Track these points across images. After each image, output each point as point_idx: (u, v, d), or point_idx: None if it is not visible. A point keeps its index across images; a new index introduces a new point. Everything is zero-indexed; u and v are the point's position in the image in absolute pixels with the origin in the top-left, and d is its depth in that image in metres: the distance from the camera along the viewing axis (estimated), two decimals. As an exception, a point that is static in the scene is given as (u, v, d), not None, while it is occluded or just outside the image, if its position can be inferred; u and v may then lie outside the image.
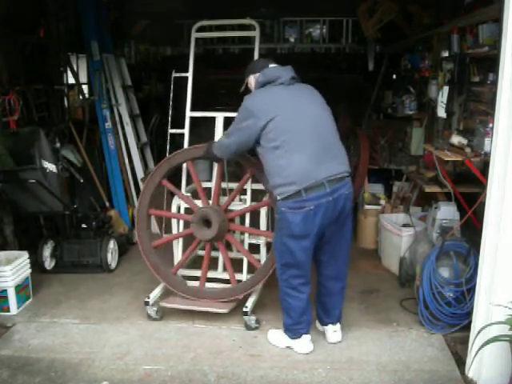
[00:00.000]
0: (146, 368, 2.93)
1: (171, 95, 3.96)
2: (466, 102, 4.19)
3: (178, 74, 3.81)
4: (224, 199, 3.54)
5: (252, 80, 3.06)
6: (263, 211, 3.52)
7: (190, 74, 3.81)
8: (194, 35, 3.89)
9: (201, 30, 3.95)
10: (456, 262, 3.22)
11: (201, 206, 3.49)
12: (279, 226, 2.88)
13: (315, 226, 2.78)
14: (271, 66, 3.02)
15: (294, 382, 2.80)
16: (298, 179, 2.73)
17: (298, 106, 2.86)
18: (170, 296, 3.52)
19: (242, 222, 3.73)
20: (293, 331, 3.05)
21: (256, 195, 3.65)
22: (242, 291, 3.40)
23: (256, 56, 3.70)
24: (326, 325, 3.18)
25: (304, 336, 3.05)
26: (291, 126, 2.79)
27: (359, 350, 3.08)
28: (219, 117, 3.67)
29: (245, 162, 3.37)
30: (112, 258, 4.34)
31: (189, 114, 3.80)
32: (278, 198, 2.81)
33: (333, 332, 3.16)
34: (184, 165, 3.63)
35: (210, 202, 3.49)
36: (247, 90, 3.16)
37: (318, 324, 3.29)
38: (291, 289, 2.96)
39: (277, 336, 3.16)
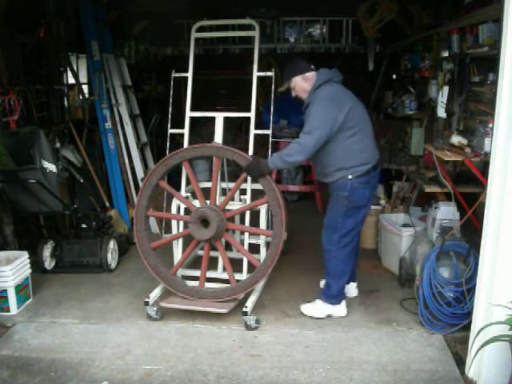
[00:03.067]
0: (146, 368, 2.93)
1: (171, 95, 3.96)
2: (466, 102, 4.20)
3: (177, 74, 3.81)
4: (223, 199, 3.54)
5: (299, 80, 3.26)
6: (263, 210, 3.52)
7: (189, 74, 3.81)
8: (194, 35, 3.89)
9: (201, 29, 3.95)
10: (456, 262, 3.22)
11: (199, 206, 3.49)
12: (345, 201, 3.22)
13: (371, 196, 3.38)
14: (320, 69, 3.31)
15: (294, 382, 2.81)
16: (371, 159, 3.24)
17: (356, 100, 3.27)
18: (170, 296, 3.52)
19: (242, 221, 3.73)
20: (338, 297, 3.43)
21: (256, 195, 3.65)
22: (241, 290, 3.40)
23: (256, 56, 3.71)
24: (349, 283, 3.65)
25: (343, 301, 3.47)
26: (360, 116, 3.23)
27: (359, 350, 3.09)
28: (219, 117, 3.68)
29: (242, 161, 3.37)
30: (112, 258, 4.34)
31: (189, 114, 3.80)
32: (350, 176, 3.17)
33: (355, 288, 3.75)
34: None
35: (208, 202, 3.49)
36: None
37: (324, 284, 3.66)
38: (346, 255, 3.36)
39: (314, 308, 3.46)
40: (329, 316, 3.43)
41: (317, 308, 3.45)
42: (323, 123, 3.07)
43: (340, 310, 3.46)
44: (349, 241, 3.34)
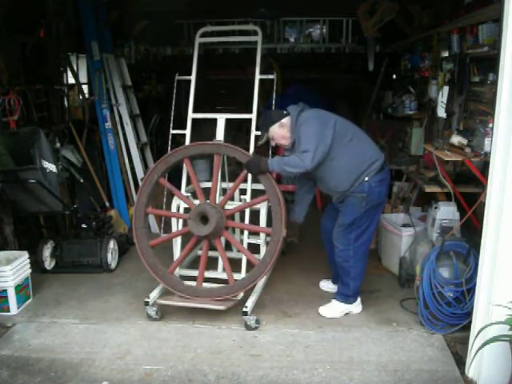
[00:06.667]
0: (146, 368, 2.93)
1: (174, 96, 3.96)
2: (466, 102, 4.20)
3: (181, 78, 3.83)
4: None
5: (277, 128, 3.32)
6: (263, 210, 3.52)
7: (192, 77, 3.83)
8: (198, 40, 3.91)
9: (204, 33, 3.97)
10: (456, 262, 3.22)
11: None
12: (364, 202, 3.24)
13: (387, 193, 3.46)
14: (288, 107, 3.36)
15: (294, 382, 2.81)
16: (378, 156, 3.29)
17: (337, 115, 3.33)
18: (169, 295, 3.52)
19: (242, 221, 3.73)
20: (356, 295, 3.49)
21: (256, 195, 3.65)
22: (239, 289, 3.39)
23: (258, 60, 3.73)
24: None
25: (358, 298, 3.53)
26: (349, 124, 3.31)
27: (359, 350, 3.09)
28: (220, 118, 3.68)
29: (243, 159, 3.36)
30: (112, 258, 4.34)
31: (191, 115, 3.81)
32: (367, 178, 3.20)
33: None
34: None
35: (208, 201, 3.49)
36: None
37: (324, 284, 3.88)
38: (364, 253, 3.41)
39: (331, 308, 3.49)
40: (346, 314, 3.48)
41: (334, 308, 3.49)
42: (317, 138, 3.11)
43: (357, 306, 3.52)
44: (366, 239, 3.38)
